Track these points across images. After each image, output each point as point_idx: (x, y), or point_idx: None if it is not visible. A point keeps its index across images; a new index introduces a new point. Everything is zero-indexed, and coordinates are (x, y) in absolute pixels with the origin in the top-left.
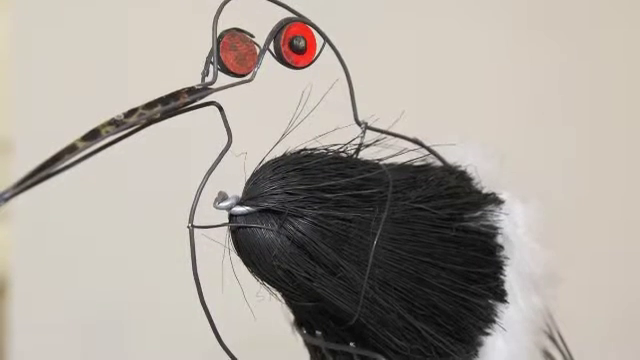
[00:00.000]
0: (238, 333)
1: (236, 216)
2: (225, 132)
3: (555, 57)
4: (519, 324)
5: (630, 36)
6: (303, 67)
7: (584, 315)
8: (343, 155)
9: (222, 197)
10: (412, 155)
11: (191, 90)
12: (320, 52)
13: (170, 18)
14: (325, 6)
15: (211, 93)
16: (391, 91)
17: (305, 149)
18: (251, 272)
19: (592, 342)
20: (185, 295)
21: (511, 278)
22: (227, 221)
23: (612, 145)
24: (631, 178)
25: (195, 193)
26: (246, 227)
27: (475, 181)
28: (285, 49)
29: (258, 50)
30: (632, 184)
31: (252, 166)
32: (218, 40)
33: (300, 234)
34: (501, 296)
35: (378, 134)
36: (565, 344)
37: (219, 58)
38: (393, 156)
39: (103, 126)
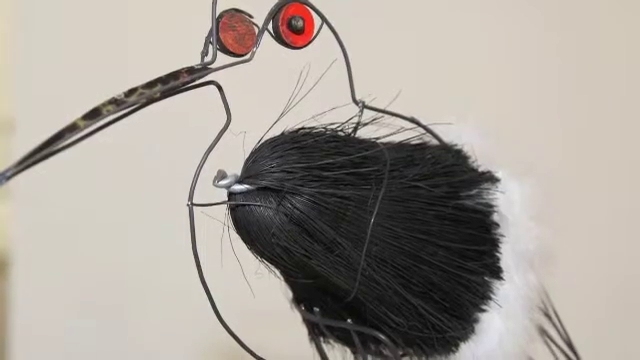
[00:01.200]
0: (237, 310)
1: (235, 194)
2: (224, 111)
3: (551, 34)
4: (515, 301)
5: (625, 11)
6: (301, 47)
7: (579, 292)
8: (341, 134)
9: (221, 175)
10: (409, 134)
11: (191, 70)
12: (318, 32)
13: None
14: None
15: (210, 73)
16: (388, 71)
17: (303, 128)
18: (250, 249)
19: (587, 319)
20: (184, 272)
21: (507, 255)
22: (226, 199)
23: (609, 121)
24: (627, 155)
25: (194, 171)
26: (245, 205)
27: (471, 159)
28: (283, 29)
29: (257, 30)
30: (628, 161)
31: (251, 145)
32: (217, 20)
33: (298, 212)
34: (497, 273)
35: (375, 113)
36: (560, 321)
37: (218, 38)
38: (390, 135)
39: (104, 105)
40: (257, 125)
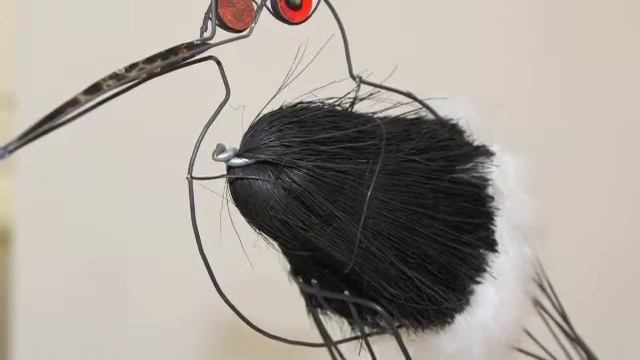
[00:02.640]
0: (236, 282)
1: (234, 168)
2: (223, 86)
3: (549, 8)
4: (509, 273)
5: None
6: (299, 23)
7: (573, 264)
8: (338, 108)
9: (220, 149)
10: (405, 108)
11: (190, 45)
12: (316, 8)
13: None
14: None
15: (209, 48)
16: (385, 46)
17: (301, 102)
18: (248, 222)
19: (580, 290)
20: (184, 244)
21: (501, 228)
22: (225, 173)
23: (603, 94)
24: (624, 127)
25: (194, 145)
26: (243, 178)
27: (466, 134)
28: (282, 5)
29: (255, 6)
30: (621, 134)
31: (250, 119)
32: None
33: (296, 185)
34: (492, 246)
35: (372, 88)
36: (554, 292)
37: (217, 14)
38: (387, 109)
39: (104, 80)
40: (256, 100)
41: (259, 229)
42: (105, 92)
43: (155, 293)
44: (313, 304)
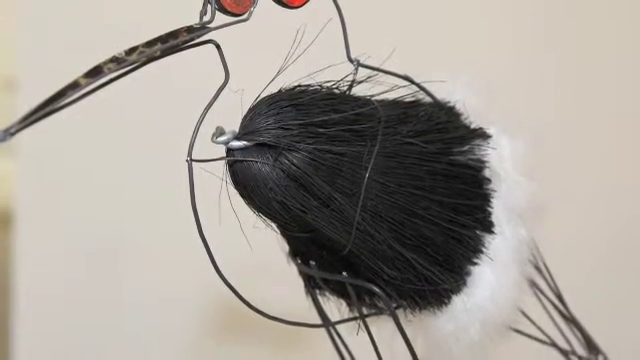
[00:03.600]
0: (235, 263)
1: (233, 150)
2: (222, 70)
3: None
4: (506, 254)
5: None
6: (298, 7)
7: (568, 245)
8: (336, 91)
9: (220, 132)
10: (403, 91)
11: (190, 29)
12: None
13: None
14: None
15: (209, 32)
16: (383, 30)
17: (300, 85)
18: (248, 204)
19: (576, 271)
20: (184, 226)
21: (498, 210)
22: (224, 155)
23: (598, 77)
24: (616, 111)
25: (193, 128)
26: (243, 161)
27: (463, 116)
28: None
29: None
30: (617, 117)
31: (249, 102)
32: None
33: (295, 167)
34: (488, 227)
35: (370, 71)
36: (550, 273)
37: None
38: (384, 92)
39: (105, 63)
40: (255, 83)
41: (258, 211)
42: (105, 75)
43: (154, 275)
44: (311, 285)
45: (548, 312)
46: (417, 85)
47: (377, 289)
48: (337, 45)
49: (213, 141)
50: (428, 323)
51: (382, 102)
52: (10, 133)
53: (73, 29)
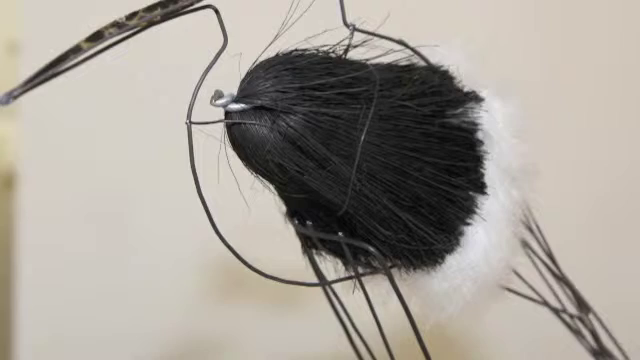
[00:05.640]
0: (233, 222)
1: (231, 113)
2: (221, 34)
3: None
4: (498, 215)
5: None
6: None
7: (560, 206)
8: (332, 55)
9: (218, 95)
10: (397, 55)
11: None
12: None
13: None
14: None
15: None
16: None
17: (296, 50)
18: (245, 166)
19: (567, 231)
20: (183, 187)
21: (491, 171)
22: (223, 118)
23: (590, 40)
24: (607, 72)
25: (193, 91)
26: (241, 123)
27: (457, 80)
28: None
29: None
30: (608, 78)
31: (246, 66)
32: None
33: (292, 130)
34: (481, 188)
35: (365, 36)
36: (541, 234)
37: None
38: (379, 56)
39: (106, 28)
40: (252, 47)
41: (256, 172)
42: (107, 39)
43: (155, 234)
44: (308, 245)
45: (540, 272)
46: (411, 49)
47: (372, 249)
48: (333, 10)
49: (212, 104)
50: (422, 282)
51: (377, 66)
52: (13, 96)
53: None
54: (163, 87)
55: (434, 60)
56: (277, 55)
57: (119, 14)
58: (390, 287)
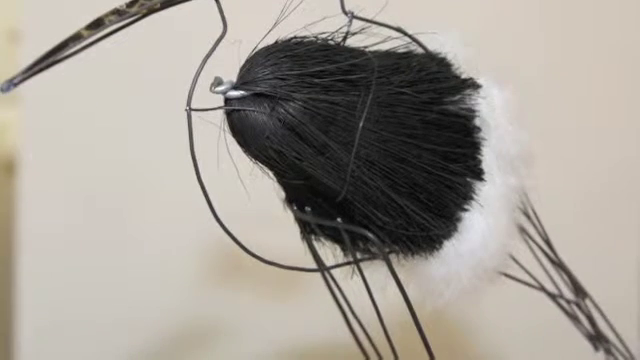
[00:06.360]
0: (233, 210)
1: (231, 100)
2: (221, 21)
3: None
4: (496, 201)
5: None
6: None
7: (557, 192)
8: (331, 43)
9: (218, 82)
10: (396, 43)
11: None
12: None
13: None
14: None
15: None
16: None
17: (295, 37)
18: (245, 152)
19: (563, 218)
20: (183, 174)
21: (488, 158)
22: (222, 105)
23: (589, 27)
24: (605, 60)
25: (192, 78)
26: (240, 110)
27: (454, 67)
28: None
29: None
30: (605, 66)
31: (246, 53)
32: None
33: (291, 116)
34: (479, 174)
35: (364, 23)
36: (538, 219)
37: None
38: (378, 44)
39: (106, 15)
40: (252, 35)
41: (255, 159)
42: (107, 27)
43: (155, 220)
44: (307, 231)
45: (537, 257)
46: (409, 37)
47: (371, 234)
48: None
49: (212, 91)
50: (420, 268)
51: (375, 53)
52: (14, 83)
53: None
54: (163, 75)
55: (432, 47)
56: (276, 42)
57: (119, 1)
58: (388, 272)
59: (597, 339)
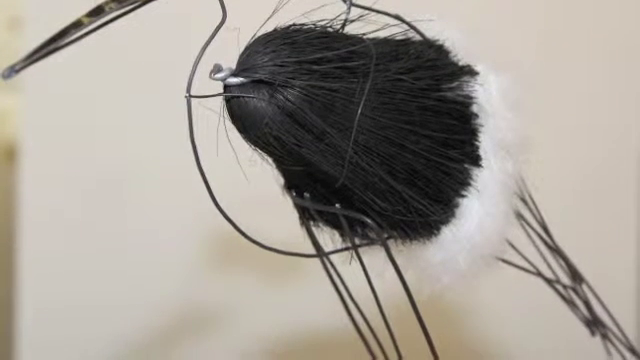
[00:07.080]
0: (232, 196)
1: (230, 86)
2: (220, 9)
3: None
4: (493, 187)
5: None
6: None
7: (554, 178)
8: (330, 30)
9: (217, 69)
10: (394, 30)
11: None
12: None
13: None
14: None
15: None
16: None
17: (294, 24)
18: (244, 138)
19: (560, 203)
20: (183, 160)
21: (486, 144)
22: (222, 91)
23: (585, 13)
24: (602, 48)
25: (192, 65)
26: (239, 97)
27: (452, 54)
28: None
29: None
30: (602, 53)
31: (245, 40)
32: None
33: (289, 103)
34: (476, 161)
35: (362, 10)
36: (535, 205)
37: None
38: (376, 31)
39: (107, 3)
40: (251, 22)
41: (254, 145)
42: (107, 14)
43: (155, 205)
44: (306, 217)
45: (534, 243)
46: (407, 24)
47: (369, 220)
48: None
49: (211, 77)
50: (418, 253)
51: (374, 40)
52: (15, 70)
53: None
54: (162, 62)
55: (430, 34)
56: (275, 30)
57: None
58: (386, 258)
59: (594, 324)
